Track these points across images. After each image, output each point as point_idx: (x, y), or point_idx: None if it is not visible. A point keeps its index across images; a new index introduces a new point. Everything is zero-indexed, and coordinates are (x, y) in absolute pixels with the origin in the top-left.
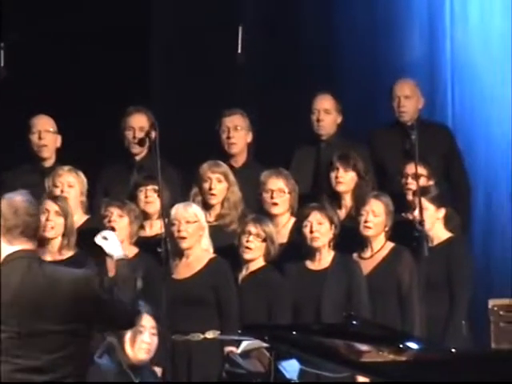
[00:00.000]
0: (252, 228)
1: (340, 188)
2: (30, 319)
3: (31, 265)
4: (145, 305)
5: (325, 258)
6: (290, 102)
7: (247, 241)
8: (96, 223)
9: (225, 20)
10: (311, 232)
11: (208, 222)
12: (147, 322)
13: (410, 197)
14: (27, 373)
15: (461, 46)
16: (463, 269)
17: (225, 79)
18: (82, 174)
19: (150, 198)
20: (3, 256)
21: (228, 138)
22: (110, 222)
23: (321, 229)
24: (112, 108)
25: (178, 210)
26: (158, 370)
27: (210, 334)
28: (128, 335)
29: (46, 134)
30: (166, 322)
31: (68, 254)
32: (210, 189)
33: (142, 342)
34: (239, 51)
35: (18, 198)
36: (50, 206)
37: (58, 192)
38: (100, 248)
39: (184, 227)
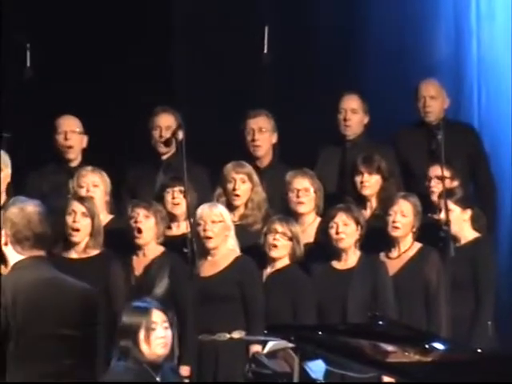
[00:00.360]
0: (278, 226)
1: (365, 192)
2: (37, 324)
3: (40, 271)
4: (152, 300)
5: (351, 258)
6: (315, 102)
7: (274, 239)
8: (121, 223)
9: (249, 20)
10: (337, 233)
11: (232, 222)
12: (157, 317)
13: (434, 198)
14: (37, 379)
15: (487, 45)
16: (489, 269)
17: (250, 79)
18: (105, 174)
19: (177, 200)
20: (12, 263)
21: (253, 140)
22: (136, 222)
23: (347, 230)
24: (137, 109)
25: (204, 210)
26: (186, 369)
27: (236, 334)
28: (142, 334)
29: (71, 135)
30: (194, 321)
31: (94, 252)
32: (234, 189)
33: (156, 338)
34: (265, 51)
35: (31, 209)
36: (77, 207)
37: (83, 192)
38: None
39: (210, 227)
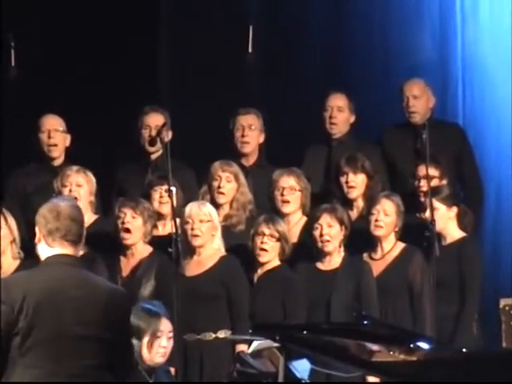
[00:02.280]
0: (265, 229)
1: (352, 194)
2: (60, 323)
3: (68, 269)
4: (163, 307)
5: (335, 259)
6: (302, 102)
7: (262, 242)
8: (106, 223)
9: (235, 19)
10: (321, 235)
11: None
12: (165, 326)
13: (422, 198)
14: (51, 378)
15: (472, 44)
16: (474, 268)
17: (235, 79)
18: (90, 174)
19: (165, 199)
20: (43, 258)
21: (242, 136)
22: (123, 223)
23: (331, 231)
24: (122, 108)
25: (192, 209)
26: (171, 370)
27: (221, 334)
28: (146, 339)
29: (55, 134)
30: (178, 321)
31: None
32: (219, 187)
33: (159, 347)
34: (250, 51)
35: (62, 203)
36: None
37: (66, 192)
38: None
39: (197, 226)
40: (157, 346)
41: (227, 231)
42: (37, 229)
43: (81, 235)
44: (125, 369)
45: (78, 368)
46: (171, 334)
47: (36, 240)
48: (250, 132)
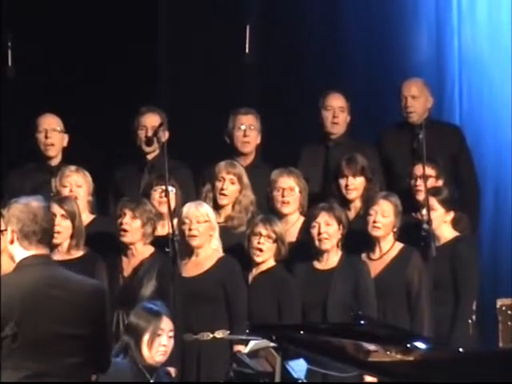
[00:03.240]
0: (262, 229)
1: (351, 196)
2: (43, 323)
3: (46, 269)
4: (164, 307)
5: (332, 258)
6: (299, 101)
7: (258, 242)
8: (103, 223)
9: (234, 19)
10: (319, 233)
11: (217, 222)
12: (166, 324)
13: (420, 197)
14: (39, 378)
15: (469, 44)
16: (468, 268)
17: (232, 79)
18: (88, 174)
19: (164, 198)
20: (17, 259)
21: (244, 136)
22: (121, 224)
23: (329, 230)
24: (120, 107)
25: (190, 209)
26: (172, 370)
27: (219, 334)
28: (146, 337)
29: (52, 133)
30: (177, 321)
31: (77, 253)
32: (222, 189)
33: (159, 345)
34: (247, 51)
35: (35, 204)
36: (56, 209)
37: (66, 192)
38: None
39: (195, 226)
40: (157, 345)
41: (228, 232)
42: (9, 229)
43: (52, 235)
44: (103, 365)
45: (64, 367)
46: (172, 334)
47: (8, 241)
48: (251, 132)
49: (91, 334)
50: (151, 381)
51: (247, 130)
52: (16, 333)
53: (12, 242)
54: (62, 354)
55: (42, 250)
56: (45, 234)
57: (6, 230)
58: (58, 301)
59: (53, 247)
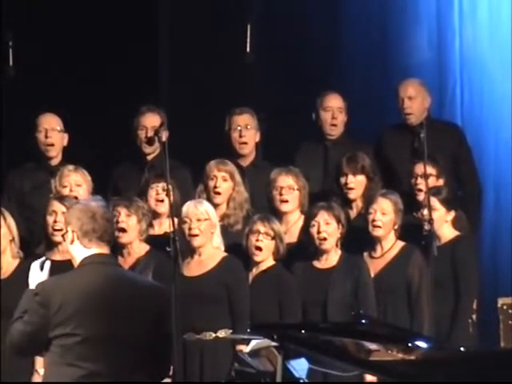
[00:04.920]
0: (260, 227)
1: (351, 195)
2: (103, 323)
3: (108, 268)
4: None
5: (332, 257)
6: (299, 101)
7: (257, 240)
8: None
9: (234, 18)
10: (319, 232)
11: None
12: None
13: (420, 197)
14: (96, 378)
15: (470, 43)
16: (468, 267)
17: (233, 78)
18: (87, 173)
19: (161, 196)
20: (80, 259)
21: (240, 137)
22: (118, 222)
23: (328, 229)
24: (120, 107)
25: (189, 208)
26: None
27: (221, 333)
28: None
29: (52, 133)
30: (176, 320)
31: None
32: (215, 187)
33: None
34: (247, 50)
35: (94, 204)
36: (57, 206)
37: (66, 192)
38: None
39: (195, 225)
40: None
41: (224, 231)
42: (69, 229)
43: (113, 234)
44: (162, 372)
45: (117, 367)
46: None
47: (68, 241)
48: (247, 132)
49: (151, 337)
50: None
51: (243, 131)
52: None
53: (72, 241)
54: (119, 355)
55: (103, 249)
56: (104, 232)
57: (66, 231)
58: (119, 301)
59: (54, 246)
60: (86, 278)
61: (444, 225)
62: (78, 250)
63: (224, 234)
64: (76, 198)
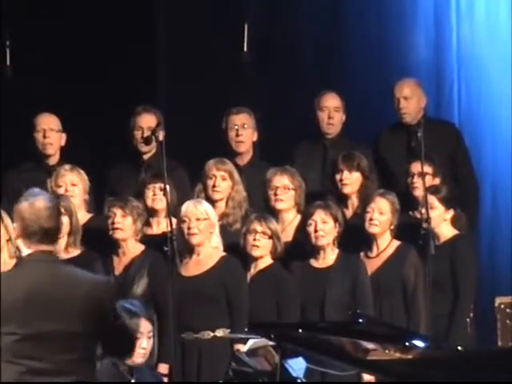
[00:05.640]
0: (257, 226)
1: (345, 190)
2: (44, 320)
3: (49, 266)
4: (142, 308)
5: (329, 256)
6: (297, 100)
7: (254, 239)
8: (100, 221)
9: (231, 18)
10: (316, 231)
11: None
12: (144, 327)
13: (417, 194)
14: (36, 375)
15: (467, 43)
16: (467, 266)
17: (231, 77)
18: (83, 172)
19: (158, 196)
20: (24, 253)
21: (236, 135)
22: (113, 223)
23: (325, 228)
24: (118, 107)
25: (189, 208)
26: (165, 367)
27: (219, 333)
28: None
29: (50, 133)
30: (174, 319)
31: (74, 252)
32: (214, 186)
33: (139, 348)
34: (245, 50)
35: (40, 204)
36: None
37: (61, 192)
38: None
39: (194, 224)
40: (137, 347)
41: (223, 230)
42: (15, 225)
43: (58, 230)
44: (126, 350)
45: (59, 363)
46: (151, 334)
47: (15, 236)
48: (244, 131)
49: (93, 329)
50: (132, 380)
51: (240, 130)
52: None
53: (18, 237)
54: (58, 351)
55: (46, 247)
56: (46, 234)
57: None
58: (58, 297)
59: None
60: (24, 276)
61: (443, 223)
62: (22, 245)
63: (223, 233)
64: (70, 196)
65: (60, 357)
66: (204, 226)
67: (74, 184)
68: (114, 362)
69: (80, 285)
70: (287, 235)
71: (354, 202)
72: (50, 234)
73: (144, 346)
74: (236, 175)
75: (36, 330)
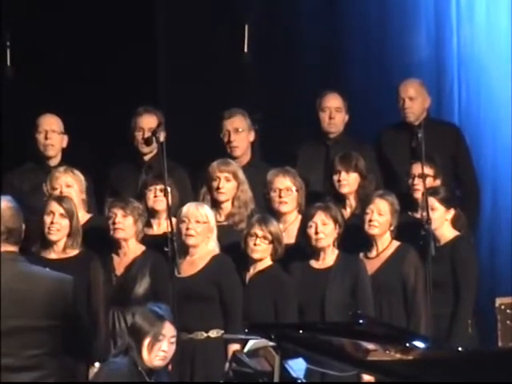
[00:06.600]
0: (258, 231)
1: (343, 190)
2: (11, 316)
3: (14, 264)
4: (169, 312)
5: (329, 257)
6: (298, 100)
7: (254, 244)
8: (100, 221)
9: (231, 18)
10: (316, 233)
11: (218, 221)
12: (168, 330)
13: (417, 196)
14: (7, 372)
15: (467, 44)
16: (468, 267)
17: (231, 78)
18: (78, 172)
19: (159, 197)
20: None
21: (229, 141)
22: (114, 223)
23: (325, 229)
24: (119, 108)
25: (190, 209)
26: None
27: (213, 333)
28: (147, 340)
29: (52, 134)
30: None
31: (73, 252)
32: (218, 188)
33: (159, 350)
34: (245, 50)
35: (3, 205)
36: (55, 207)
37: (57, 194)
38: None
39: (193, 226)
40: (157, 349)
41: (229, 230)
42: None
43: (21, 234)
44: (81, 353)
45: (29, 359)
46: (174, 340)
47: None
48: (237, 135)
49: (56, 325)
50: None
51: (232, 135)
52: None
53: None
54: (24, 347)
55: (8, 247)
56: (10, 235)
57: None
58: (20, 295)
59: (49, 245)
60: None
61: (444, 225)
62: None
63: (229, 233)
64: (71, 198)
65: (29, 352)
66: (202, 229)
67: (69, 185)
68: (134, 361)
69: (43, 282)
70: (289, 235)
71: (351, 202)
72: (13, 235)
73: (164, 348)
74: (241, 175)
75: (4, 327)
